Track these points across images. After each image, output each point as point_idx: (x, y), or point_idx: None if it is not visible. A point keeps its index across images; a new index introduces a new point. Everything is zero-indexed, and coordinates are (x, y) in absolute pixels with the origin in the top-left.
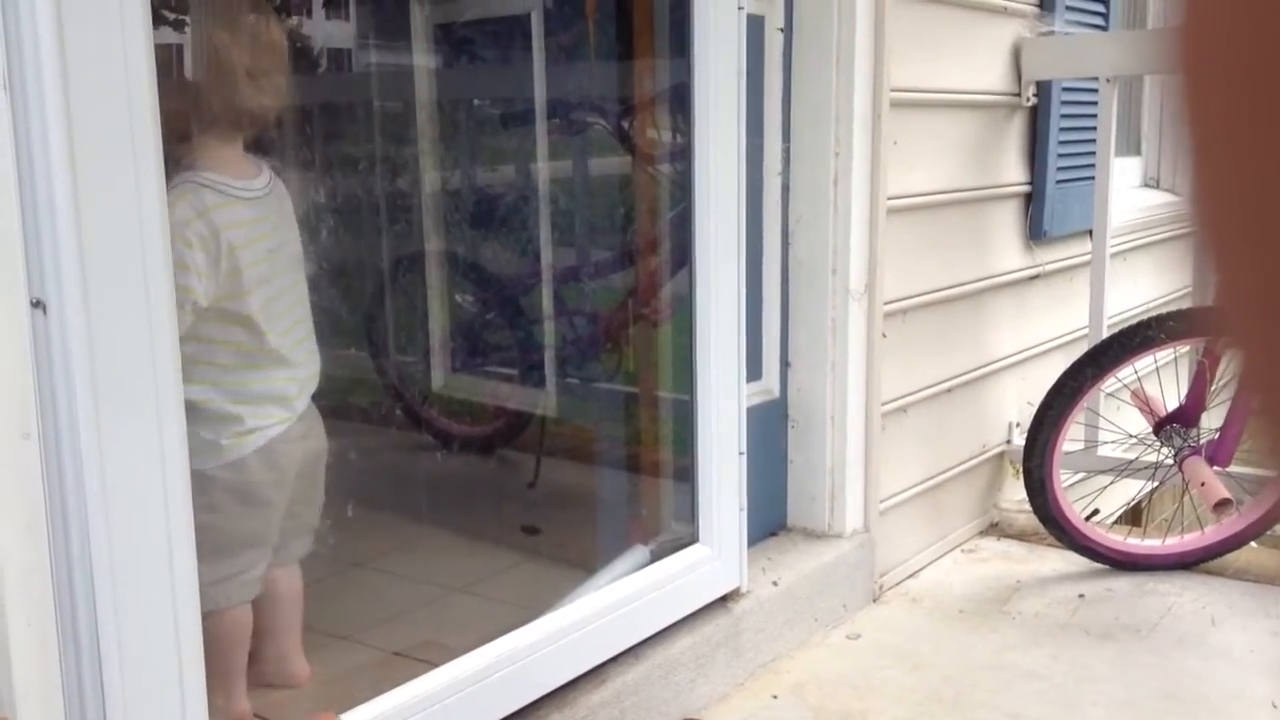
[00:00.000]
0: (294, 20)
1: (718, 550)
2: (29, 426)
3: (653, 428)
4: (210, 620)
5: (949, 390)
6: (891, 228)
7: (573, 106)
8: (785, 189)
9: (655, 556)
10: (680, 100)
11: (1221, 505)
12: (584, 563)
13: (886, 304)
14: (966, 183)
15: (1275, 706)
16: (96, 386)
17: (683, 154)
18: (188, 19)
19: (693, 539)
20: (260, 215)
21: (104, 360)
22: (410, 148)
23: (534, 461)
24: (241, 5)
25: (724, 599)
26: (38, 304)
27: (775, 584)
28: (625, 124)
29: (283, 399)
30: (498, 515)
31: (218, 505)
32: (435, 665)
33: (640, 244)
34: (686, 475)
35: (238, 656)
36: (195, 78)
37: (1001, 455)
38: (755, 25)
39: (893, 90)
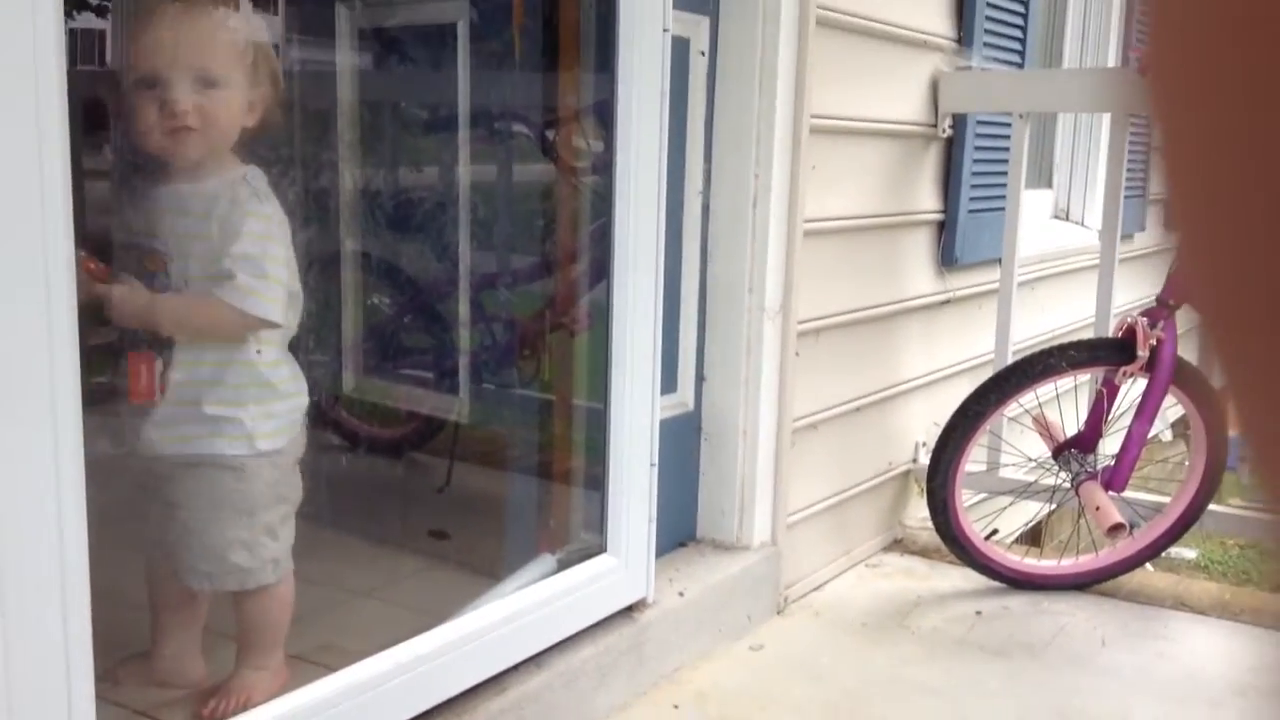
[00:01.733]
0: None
1: (625, 560)
2: None
3: (566, 436)
4: (272, 592)
5: (858, 409)
6: (807, 249)
7: (496, 115)
8: (705, 208)
9: (563, 565)
10: (603, 115)
11: (1115, 529)
12: (491, 570)
13: (800, 323)
14: (882, 209)
15: None
16: None
17: (604, 168)
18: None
19: (600, 549)
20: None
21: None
22: (330, 148)
23: (445, 467)
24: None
25: (629, 609)
26: None
27: (681, 595)
28: (548, 134)
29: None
30: (405, 520)
31: (284, 478)
32: (333, 670)
33: (559, 254)
34: (597, 484)
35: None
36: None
37: (907, 474)
38: (680, 47)
39: (813, 116)
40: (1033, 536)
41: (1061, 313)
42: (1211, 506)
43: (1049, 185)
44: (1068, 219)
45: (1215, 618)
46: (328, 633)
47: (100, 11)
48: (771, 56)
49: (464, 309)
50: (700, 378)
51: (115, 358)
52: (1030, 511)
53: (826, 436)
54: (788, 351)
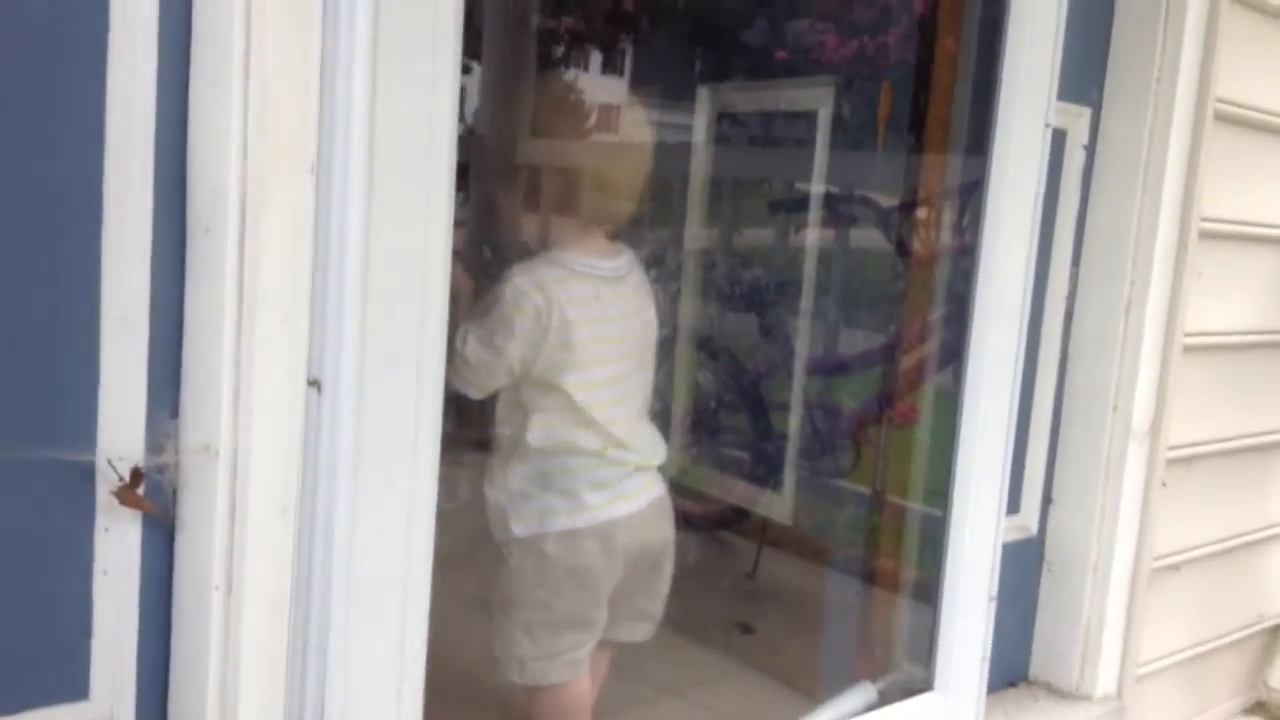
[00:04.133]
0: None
1: (953, 702)
2: (287, 502)
3: (892, 545)
4: (534, 695)
5: (1229, 550)
6: (1185, 366)
7: (846, 199)
8: (1068, 315)
9: (884, 698)
10: (964, 204)
11: None
12: (799, 681)
13: (1171, 448)
14: (1276, 324)
15: None
16: (358, 468)
17: (956, 259)
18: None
19: (926, 685)
20: (612, 295)
21: (369, 443)
22: (676, 224)
23: (754, 551)
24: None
25: None
26: (314, 383)
27: None
28: (900, 223)
29: (606, 485)
30: (710, 605)
31: (548, 578)
32: None
33: (900, 345)
34: (924, 605)
35: None
36: (559, 178)
37: (1277, 629)
38: (1057, 140)
39: (1203, 219)
40: None
41: None
42: None
43: None
44: None
45: None
46: None
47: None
48: (1159, 152)
49: (794, 392)
50: (1047, 499)
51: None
52: None
53: (1190, 579)
54: (1154, 478)
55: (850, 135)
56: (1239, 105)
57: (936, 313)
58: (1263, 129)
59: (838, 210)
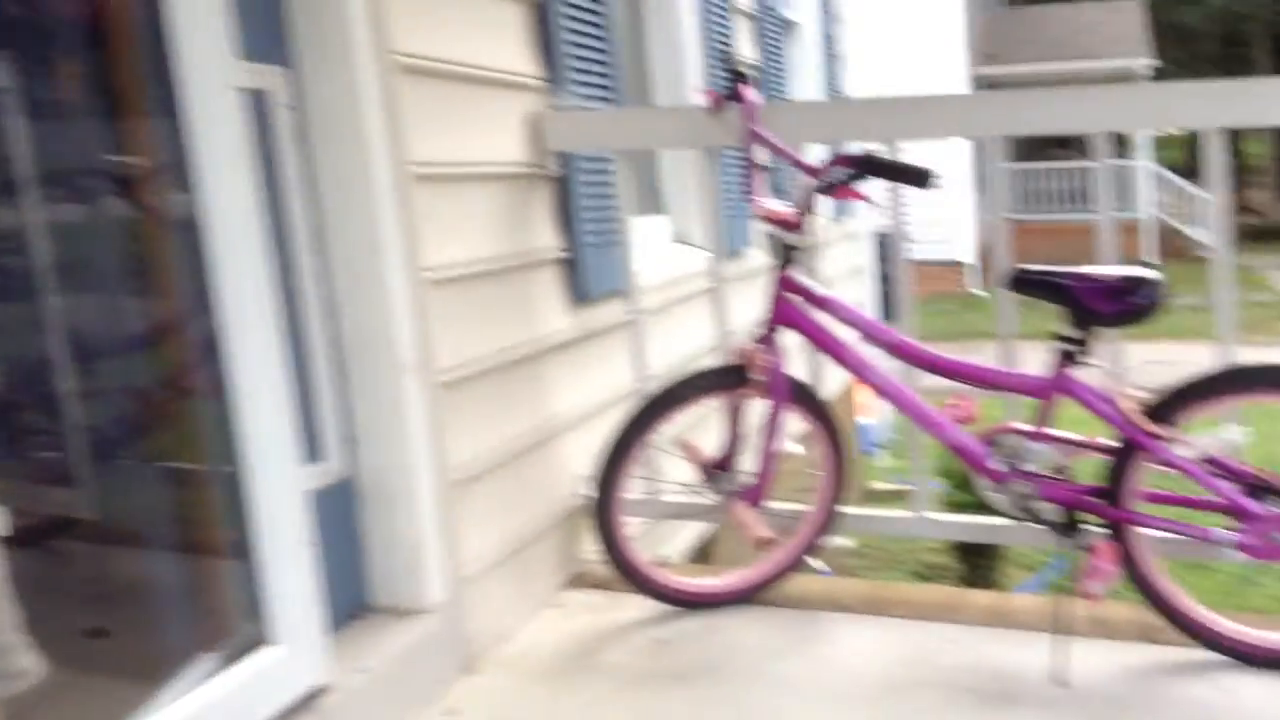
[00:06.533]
0: None
1: (294, 648)
2: None
3: (205, 513)
4: None
5: (518, 453)
6: (439, 299)
7: (68, 171)
8: (322, 265)
9: (228, 661)
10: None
11: (763, 542)
12: (156, 673)
13: (443, 373)
14: (505, 250)
15: None
16: None
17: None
18: None
19: (263, 640)
20: None
21: None
22: None
23: (87, 554)
24: None
25: (310, 698)
26: None
27: (364, 672)
28: (132, 193)
29: None
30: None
31: None
32: None
33: (169, 315)
34: (250, 570)
35: None
36: None
37: (577, 509)
38: (259, 100)
39: (414, 164)
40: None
41: (704, 330)
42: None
43: (663, 210)
44: (687, 242)
45: (866, 615)
46: None
47: None
48: (360, 106)
49: (68, 383)
50: (351, 441)
51: None
52: (699, 533)
53: (491, 484)
54: (435, 403)
55: (44, 107)
56: (420, 57)
57: (189, 278)
58: (452, 78)
59: (73, 184)
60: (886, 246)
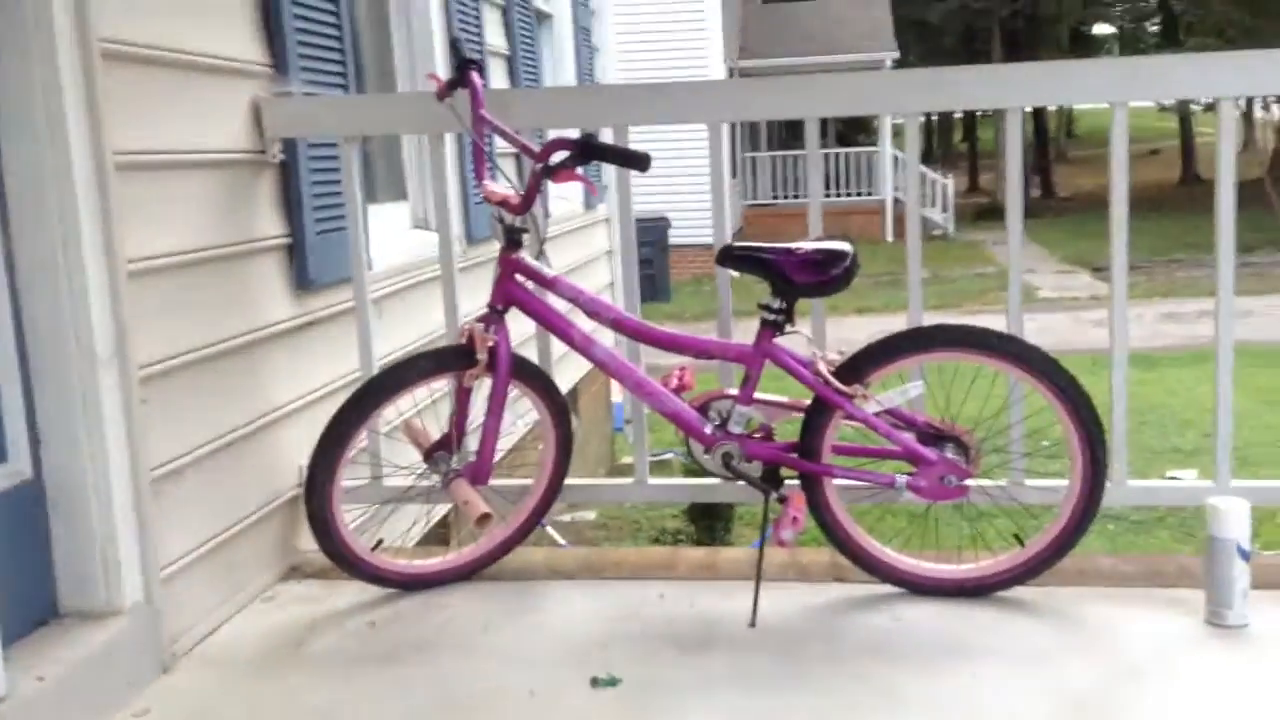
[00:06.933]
0: None
1: None
2: None
3: None
4: None
5: (229, 445)
6: (142, 290)
7: None
8: (8, 256)
9: None
10: None
11: (483, 519)
12: None
13: (144, 367)
14: (219, 239)
15: (533, 694)
16: None
17: None
18: None
19: None
20: None
21: None
22: None
23: None
24: None
25: None
26: None
27: (41, 679)
28: None
29: None
30: None
31: None
32: None
33: None
34: None
35: None
36: None
37: (295, 499)
38: None
39: (118, 153)
40: (446, 538)
41: (436, 317)
42: (571, 481)
43: (405, 197)
44: (428, 228)
45: (584, 579)
46: None
47: None
48: (56, 94)
49: None
50: (37, 441)
51: None
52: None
53: (196, 479)
54: (131, 398)
55: None
56: (129, 44)
57: None
58: (164, 65)
59: None
60: (646, 232)
